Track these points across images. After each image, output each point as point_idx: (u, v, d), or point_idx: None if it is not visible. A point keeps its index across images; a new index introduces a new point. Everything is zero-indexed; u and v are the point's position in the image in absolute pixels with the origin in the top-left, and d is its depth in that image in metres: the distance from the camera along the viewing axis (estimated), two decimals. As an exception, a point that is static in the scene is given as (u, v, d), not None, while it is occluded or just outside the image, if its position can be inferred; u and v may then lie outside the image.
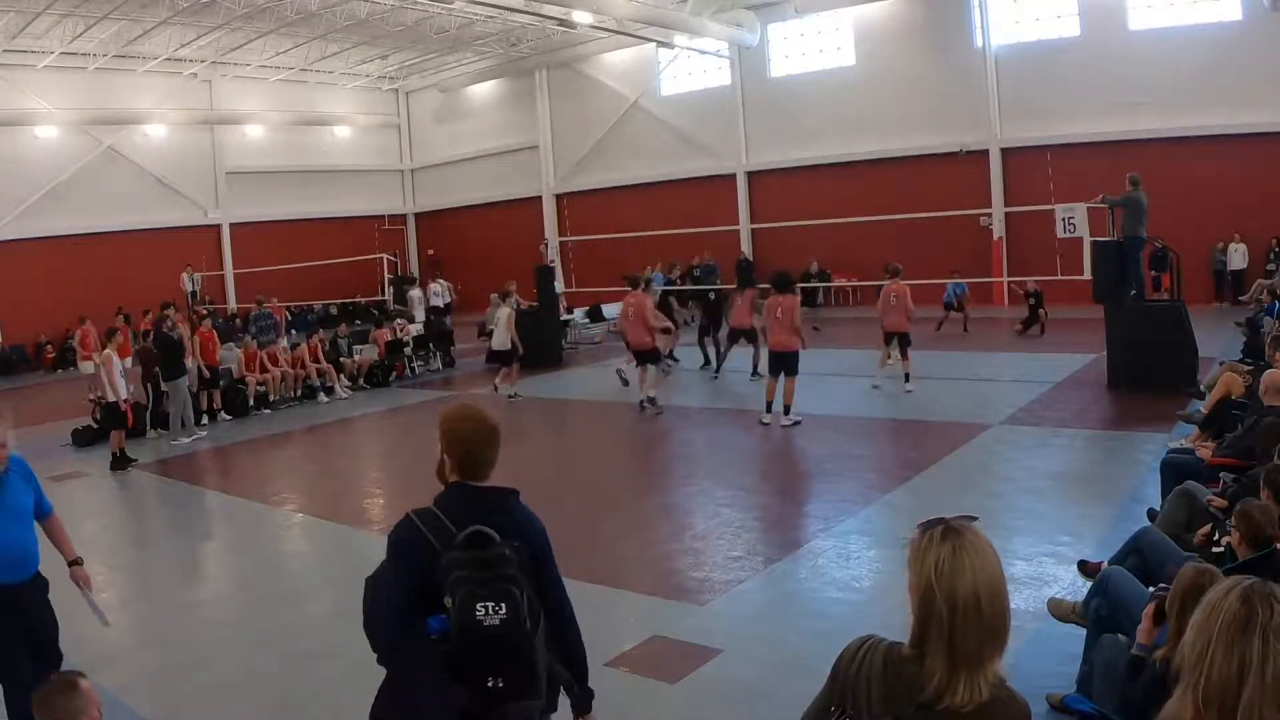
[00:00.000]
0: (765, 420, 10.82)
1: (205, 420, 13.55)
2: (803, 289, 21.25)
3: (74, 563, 4.24)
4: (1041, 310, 16.89)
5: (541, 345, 16.84)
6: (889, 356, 12.94)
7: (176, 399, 12.46)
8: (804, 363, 10.86)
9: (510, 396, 13.83)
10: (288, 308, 20.48)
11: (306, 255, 25.48)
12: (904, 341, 12.51)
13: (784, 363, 10.64)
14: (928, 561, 1.82)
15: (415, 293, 21.06)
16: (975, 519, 1.89)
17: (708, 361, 15.23)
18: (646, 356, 12.37)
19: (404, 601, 2.43)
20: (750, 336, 14.00)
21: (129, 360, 14.08)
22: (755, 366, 13.80)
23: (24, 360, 23.51)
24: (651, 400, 12.10)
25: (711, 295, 15.84)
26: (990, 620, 1.79)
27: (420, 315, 19.86)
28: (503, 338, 14.03)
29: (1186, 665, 1.82)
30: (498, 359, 14.48)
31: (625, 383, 13.66)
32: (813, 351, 14.59)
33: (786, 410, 10.55)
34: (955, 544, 1.81)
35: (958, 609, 1.77)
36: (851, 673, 1.90)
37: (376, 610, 2.51)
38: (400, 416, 13.97)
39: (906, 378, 12.37)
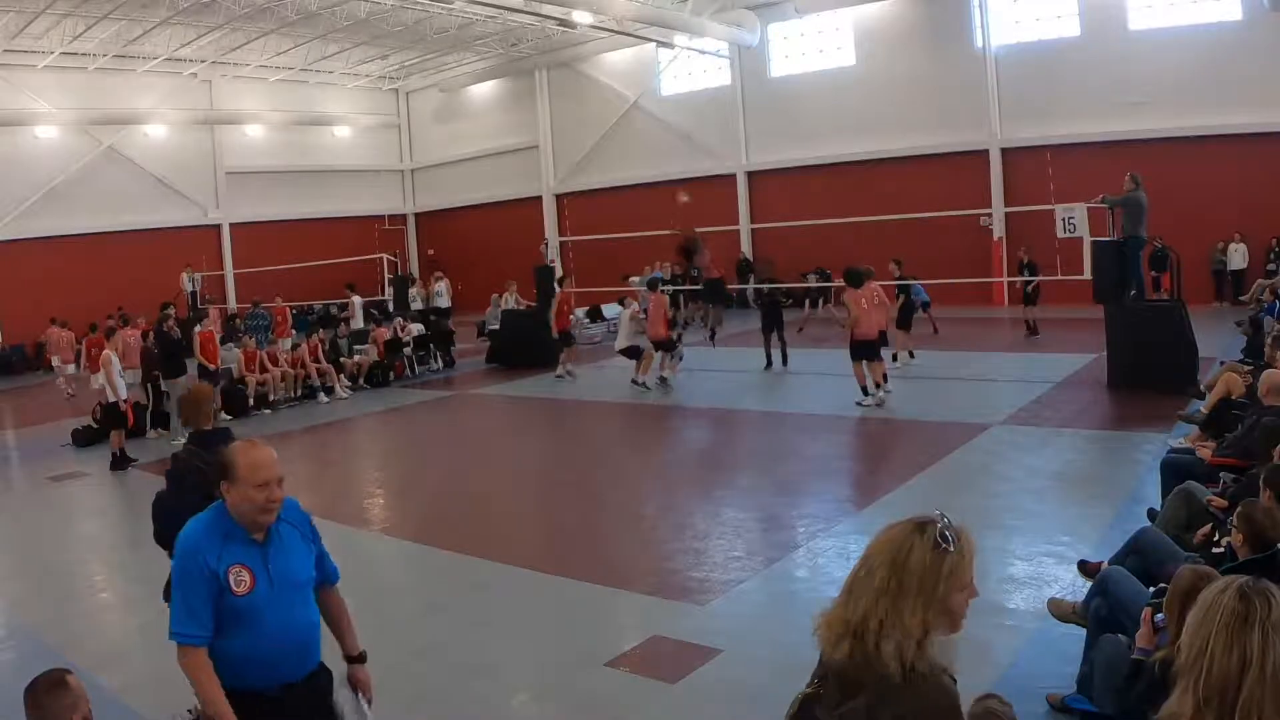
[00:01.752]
0: (866, 402, 11.28)
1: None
2: (798, 291, 21.50)
3: (355, 659, 3.09)
4: (1034, 302, 16.65)
5: (541, 345, 16.79)
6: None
7: (177, 398, 12.45)
8: (803, 362, 10.93)
9: (639, 384, 13.75)
10: (290, 306, 20.44)
11: (306, 255, 25.50)
12: (884, 342, 12.60)
13: (880, 345, 11.86)
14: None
15: (356, 299, 21.01)
16: (941, 517, 1.92)
17: (770, 363, 14.74)
18: (663, 345, 13.72)
19: (192, 503, 3.57)
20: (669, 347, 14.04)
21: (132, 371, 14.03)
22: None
23: (24, 360, 23.51)
24: (663, 379, 13.57)
25: (778, 295, 15.64)
26: None
27: (359, 322, 19.73)
28: (625, 338, 14.26)
29: (1185, 663, 1.82)
30: (628, 354, 14.29)
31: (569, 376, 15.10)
32: (813, 352, 14.68)
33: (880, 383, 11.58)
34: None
35: None
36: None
37: (174, 514, 3.86)
38: (400, 416, 13.96)
39: (885, 378, 12.14)
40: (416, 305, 22.12)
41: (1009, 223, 21.19)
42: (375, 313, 22.26)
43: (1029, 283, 16.56)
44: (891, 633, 1.83)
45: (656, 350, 13.82)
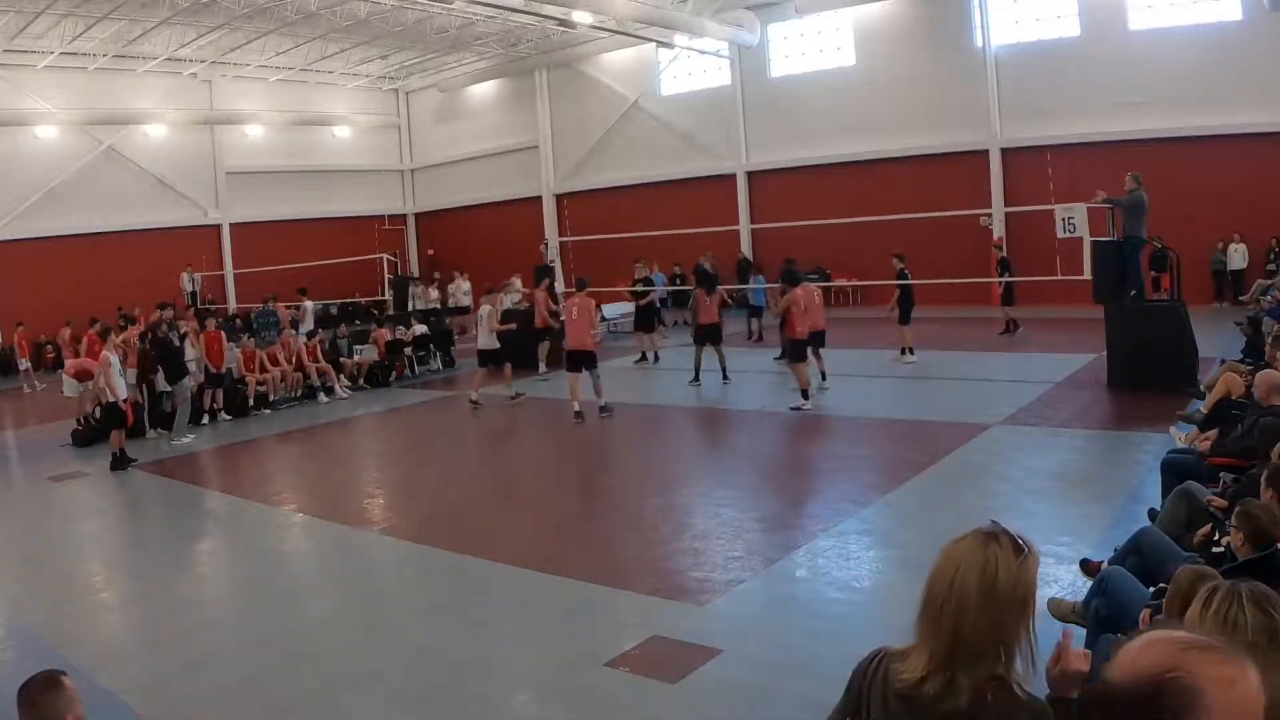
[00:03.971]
0: (805, 406, 11.40)
1: (205, 420, 13.55)
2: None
3: None
4: (1011, 301, 16.59)
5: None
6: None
7: (183, 399, 12.44)
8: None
9: (512, 397, 13.71)
10: (288, 306, 20.39)
11: (306, 255, 25.46)
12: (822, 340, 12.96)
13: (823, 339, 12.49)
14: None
15: (308, 303, 20.87)
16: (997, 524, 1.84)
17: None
18: (586, 360, 12.02)
19: None
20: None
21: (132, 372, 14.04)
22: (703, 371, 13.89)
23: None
24: (606, 407, 12.12)
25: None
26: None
27: (310, 325, 19.48)
28: (488, 337, 13.49)
29: None
30: (490, 359, 13.65)
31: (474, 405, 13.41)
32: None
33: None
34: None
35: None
36: (866, 684, 1.92)
37: None
38: (400, 416, 13.96)
39: (823, 375, 12.80)
40: (419, 305, 22.09)
41: (1009, 223, 21.20)
42: (376, 312, 22.25)
43: (1003, 281, 16.72)
44: (991, 651, 1.72)
45: (572, 368, 12.12)
